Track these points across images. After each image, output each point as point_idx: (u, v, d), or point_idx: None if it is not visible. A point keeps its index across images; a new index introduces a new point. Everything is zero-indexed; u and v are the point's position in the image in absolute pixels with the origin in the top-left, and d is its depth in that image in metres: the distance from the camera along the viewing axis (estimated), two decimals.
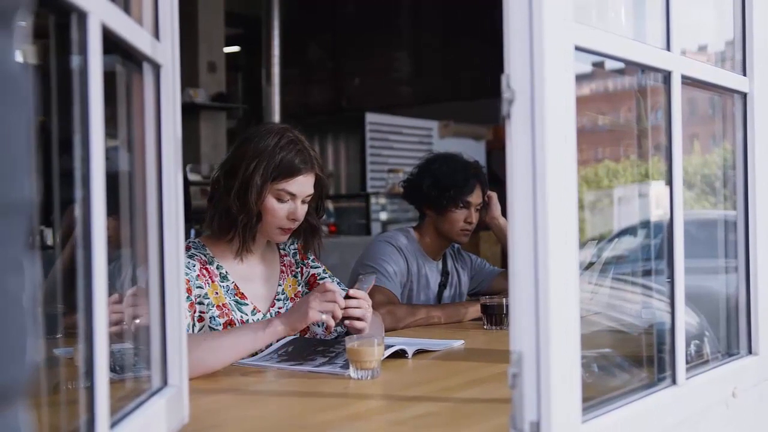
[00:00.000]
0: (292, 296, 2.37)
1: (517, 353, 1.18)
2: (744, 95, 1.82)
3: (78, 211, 1.01)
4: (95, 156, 1.01)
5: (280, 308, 2.31)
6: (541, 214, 1.17)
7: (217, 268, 2.23)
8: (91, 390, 1.00)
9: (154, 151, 1.36)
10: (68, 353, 1.43)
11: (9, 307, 0.52)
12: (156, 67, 1.35)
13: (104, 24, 1.05)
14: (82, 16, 1.00)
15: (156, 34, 1.35)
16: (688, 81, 1.59)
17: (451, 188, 2.95)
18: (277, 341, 2.16)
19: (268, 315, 2.27)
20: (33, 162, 0.57)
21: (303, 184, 2.22)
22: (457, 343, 2.35)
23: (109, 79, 1.09)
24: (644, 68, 1.58)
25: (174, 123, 1.38)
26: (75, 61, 1.02)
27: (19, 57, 0.56)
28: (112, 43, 1.12)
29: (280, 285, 2.35)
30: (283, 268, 2.39)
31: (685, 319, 1.57)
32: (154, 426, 1.26)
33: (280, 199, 2.20)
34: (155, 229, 1.36)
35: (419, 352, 2.18)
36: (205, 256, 2.22)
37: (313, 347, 2.14)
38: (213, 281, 2.19)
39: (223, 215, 2.21)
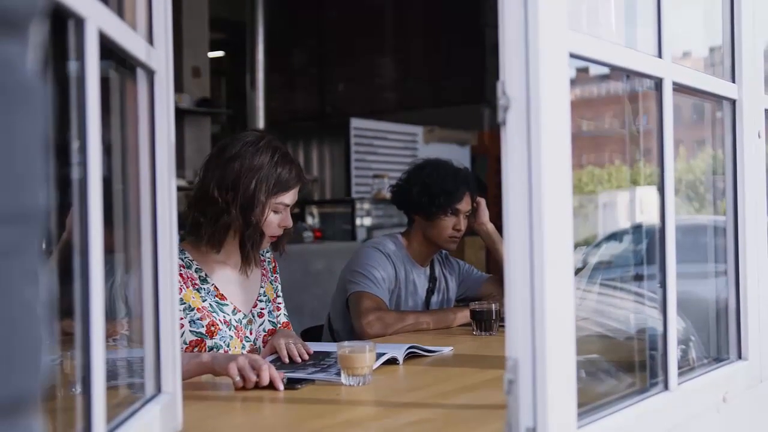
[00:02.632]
0: (272, 299, 2.45)
1: (512, 359, 1.18)
2: (733, 102, 1.84)
3: (75, 216, 1.00)
4: (92, 161, 1.00)
5: (262, 309, 2.39)
6: (536, 220, 1.17)
7: (196, 271, 2.28)
8: (87, 397, 1.00)
9: (147, 157, 1.35)
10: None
11: (25, 317, 0.52)
12: (150, 73, 1.34)
13: (101, 30, 1.04)
14: (80, 22, 0.99)
15: (150, 39, 1.35)
16: (678, 88, 1.60)
17: (440, 195, 2.95)
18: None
19: (250, 315, 2.34)
20: (46, 170, 0.57)
21: (295, 194, 2.32)
22: (447, 350, 2.36)
23: (102, 84, 1.09)
24: (637, 75, 1.59)
25: (168, 128, 1.38)
26: (71, 66, 1.01)
27: (32, 66, 0.56)
28: (107, 49, 1.11)
29: (262, 287, 2.42)
30: (264, 272, 2.46)
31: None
32: None
33: (276, 211, 2.28)
34: (149, 236, 1.35)
35: (411, 356, 2.18)
36: (182, 260, 2.25)
37: (303, 361, 2.14)
38: (188, 286, 2.22)
39: (223, 231, 2.25)
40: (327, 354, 2.18)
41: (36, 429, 0.53)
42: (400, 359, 2.13)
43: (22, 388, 0.52)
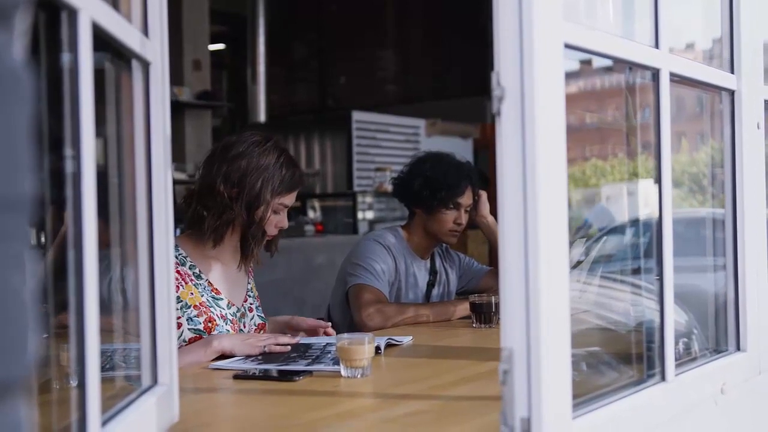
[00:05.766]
0: (256, 296, 2.51)
1: (507, 350, 1.18)
2: (732, 92, 1.83)
3: (68, 210, 1.00)
4: (86, 154, 1.00)
5: (251, 304, 2.46)
6: (531, 211, 1.17)
7: (190, 268, 2.31)
8: (82, 388, 1.00)
9: (143, 150, 1.35)
10: None
11: (11, 302, 0.52)
12: (145, 65, 1.34)
13: (94, 21, 1.04)
14: (73, 13, 0.99)
15: (145, 31, 1.35)
16: (676, 78, 1.60)
17: (442, 189, 2.95)
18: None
19: (243, 309, 2.40)
20: (33, 158, 0.57)
21: (294, 197, 2.38)
22: (407, 339, 2.39)
23: (97, 76, 1.08)
24: (633, 66, 1.58)
25: (164, 121, 1.38)
26: (65, 58, 1.01)
27: (18, 54, 0.56)
28: (101, 40, 1.11)
29: (249, 283, 2.48)
30: (250, 269, 2.51)
31: (674, 317, 1.57)
32: (144, 424, 1.25)
33: (276, 212, 2.33)
34: (145, 229, 1.35)
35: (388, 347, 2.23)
36: (176, 257, 2.27)
37: (287, 353, 2.14)
38: (186, 282, 2.25)
39: (225, 226, 2.29)
40: (309, 346, 2.19)
41: (21, 414, 0.54)
42: (382, 349, 2.15)
43: (8, 373, 0.52)
